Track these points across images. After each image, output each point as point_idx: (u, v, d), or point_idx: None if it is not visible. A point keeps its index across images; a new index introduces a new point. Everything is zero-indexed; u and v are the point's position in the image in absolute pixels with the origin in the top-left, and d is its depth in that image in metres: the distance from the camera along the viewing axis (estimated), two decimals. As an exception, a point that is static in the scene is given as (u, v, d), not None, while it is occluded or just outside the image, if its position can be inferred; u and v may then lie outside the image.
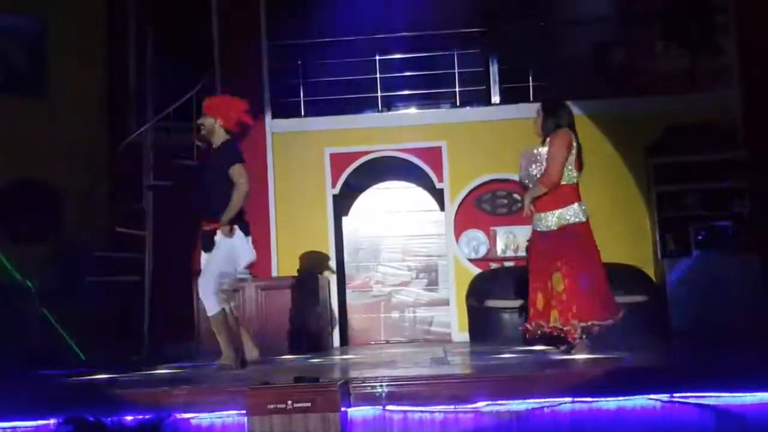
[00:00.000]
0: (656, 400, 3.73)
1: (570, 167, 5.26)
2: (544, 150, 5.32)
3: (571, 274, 5.13)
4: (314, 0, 8.34)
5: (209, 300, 5.35)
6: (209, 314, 5.38)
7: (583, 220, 5.26)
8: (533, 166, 5.35)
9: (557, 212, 5.25)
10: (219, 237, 5.33)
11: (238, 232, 5.35)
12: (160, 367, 5.73)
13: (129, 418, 2.31)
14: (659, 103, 7.88)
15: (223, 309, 5.40)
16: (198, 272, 7.29)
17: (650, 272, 7.64)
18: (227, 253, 5.36)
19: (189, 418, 3.77)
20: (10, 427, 3.82)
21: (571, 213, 5.24)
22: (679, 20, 8.28)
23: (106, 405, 3.79)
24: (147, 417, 2.25)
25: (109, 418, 2.31)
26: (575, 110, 7.90)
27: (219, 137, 5.49)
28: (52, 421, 3.73)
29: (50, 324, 6.87)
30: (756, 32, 7.82)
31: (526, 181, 5.41)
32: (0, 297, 6.67)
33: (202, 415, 3.80)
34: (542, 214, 5.31)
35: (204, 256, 5.46)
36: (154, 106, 7.61)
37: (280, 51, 8.47)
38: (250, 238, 5.45)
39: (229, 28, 8.35)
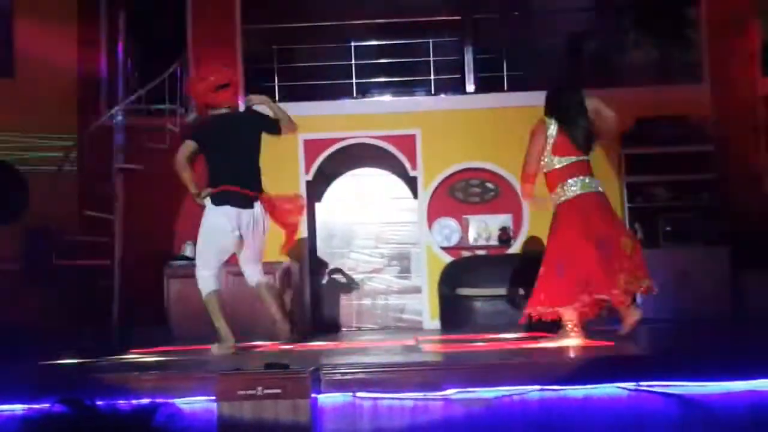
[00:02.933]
0: (624, 389, 3.77)
1: (548, 155, 5.30)
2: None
3: (545, 260, 5.22)
4: (290, -16, 8.31)
5: (199, 280, 5.32)
6: (202, 295, 5.34)
7: (561, 201, 5.30)
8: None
9: (551, 196, 5.41)
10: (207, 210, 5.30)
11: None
12: (130, 352, 5.68)
13: (122, 402, 2.30)
14: (630, 94, 7.92)
15: (216, 290, 5.33)
16: (173, 257, 7.28)
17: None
18: (214, 226, 5.30)
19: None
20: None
21: (554, 197, 5.34)
22: (650, 12, 8.34)
23: (76, 389, 3.77)
24: (142, 402, 2.24)
25: (102, 402, 2.29)
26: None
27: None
28: (19, 407, 3.70)
29: (18, 309, 6.79)
30: (725, 24, 7.91)
31: None
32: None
33: (172, 400, 3.78)
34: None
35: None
36: (126, 87, 7.53)
37: (255, 35, 8.41)
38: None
39: (203, 11, 8.27)
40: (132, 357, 5.35)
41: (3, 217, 7.40)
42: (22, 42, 7.64)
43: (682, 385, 3.75)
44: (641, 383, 3.77)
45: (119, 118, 7.31)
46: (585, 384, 3.79)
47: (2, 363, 4.74)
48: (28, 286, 6.97)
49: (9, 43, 7.60)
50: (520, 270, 7.10)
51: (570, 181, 5.27)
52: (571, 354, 4.66)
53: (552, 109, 5.43)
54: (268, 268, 7.23)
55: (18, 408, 3.72)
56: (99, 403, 2.31)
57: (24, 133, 7.53)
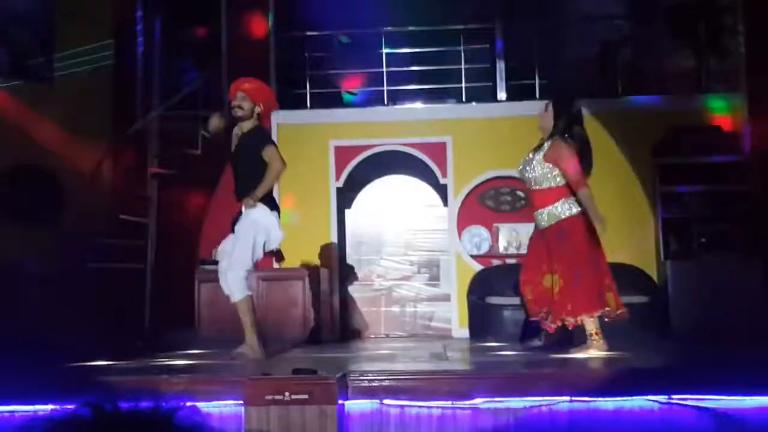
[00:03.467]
0: (654, 401, 3.70)
1: (559, 171, 5.38)
2: (538, 156, 5.36)
3: (564, 272, 5.25)
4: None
5: (236, 284, 5.21)
6: (235, 299, 5.24)
7: (573, 214, 5.32)
8: (527, 169, 5.45)
9: (547, 209, 5.39)
10: (246, 215, 5.26)
11: (266, 210, 5.29)
12: (160, 354, 5.71)
13: (148, 405, 2.30)
14: (665, 103, 7.84)
15: (250, 295, 5.31)
16: (202, 260, 7.31)
17: (653, 273, 7.61)
18: (254, 234, 5.24)
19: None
20: (8, 411, 3.81)
21: (559, 210, 5.35)
22: (687, 20, 8.24)
23: (105, 391, 3.79)
24: (163, 404, 2.23)
25: (128, 405, 2.29)
26: (583, 107, 7.93)
27: (250, 122, 5.44)
28: (49, 407, 3.73)
29: (52, 311, 6.87)
30: (763, 34, 7.78)
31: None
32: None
33: (201, 404, 3.79)
34: (536, 212, 5.47)
35: (229, 239, 5.36)
36: (161, 93, 7.60)
37: (287, 43, 8.45)
38: (277, 214, 5.39)
39: (237, 18, 8.33)
40: (161, 360, 5.38)
41: (39, 221, 7.50)
42: (61, 48, 7.75)
43: (716, 399, 3.67)
44: (673, 396, 3.70)
45: (154, 123, 7.39)
46: (615, 396, 3.73)
47: (34, 363, 4.79)
48: (64, 289, 7.04)
49: (50, 47, 7.71)
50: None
51: (573, 198, 5.35)
52: (602, 365, 4.60)
53: (568, 127, 5.40)
54: (297, 273, 7.28)
55: (45, 408, 3.75)
56: (125, 405, 2.31)
57: (60, 137, 7.63)
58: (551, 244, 5.36)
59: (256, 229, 5.25)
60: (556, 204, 5.34)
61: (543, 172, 5.38)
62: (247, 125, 5.44)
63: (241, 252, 5.20)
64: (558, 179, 5.37)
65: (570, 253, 5.27)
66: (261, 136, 5.46)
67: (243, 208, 5.30)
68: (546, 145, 5.42)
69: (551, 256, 5.36)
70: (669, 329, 7.01)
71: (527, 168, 5.47)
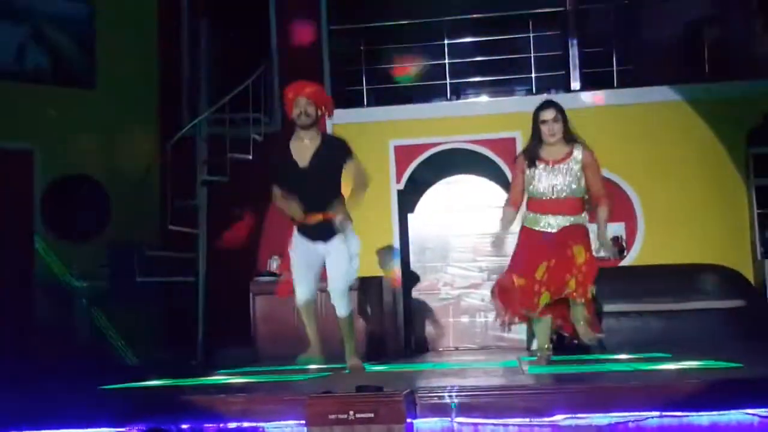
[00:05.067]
0: (755, 415, 3.66)
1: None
2: (574, 166, 5.37)
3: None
4: (378, -20, 8.42)
5: (346, 298, 5.48)
6: (343, 314, 5.50)
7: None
8: (551, 177, 5.38)
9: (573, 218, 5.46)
10: (346, 230, 5.43)
11: (349, 225, 5.49)
12: (216, 373, 5.84)
13: (209, 426, 2.37)
14: (757, 87, 7.69)
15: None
16: (259, 273, 7.44)
17: (748, 274, 7.47)
18: (351, 247, 5.48)
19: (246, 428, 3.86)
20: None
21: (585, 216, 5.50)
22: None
23: (162, 412, 3.90)
24: (229, 427, 2.31)
25: (187, 426, 2.38)
26: (666, 95, 7.84)
27: (314, 129, 5.50)
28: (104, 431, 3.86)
29: (101, 326, 7.08)
30: None
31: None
32: (48, 298, 6.89)
33: (260, 424, 3.87)
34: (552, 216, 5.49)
35: (296, 255, 5.52)
36: (209, 97, 7.76)
37: (342, 36, 8.54)
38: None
39: (287, 12, 8.46)
40: (218, 378, 5.50)
41: (86, 234, 7.74)
42: (103, 51, 7.99)
43: (824, 412, 3.61)
44: (774, 409, 3.65)
45: (202, 128, 7.54)
46: (710, 410, 3.69)
47: (85, 383, 4.95)
48: (113, 304, 7.25)
49: (90, 52, 7.96)
50: (635, 283, 6.98)
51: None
52: (694, 377, 4.55)
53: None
54: (357, 283, 7.34)
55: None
56: (184, 427, 2.39)
57: (105, 145, 7.86)
58: (567, 232, 5.38)
59: (351, 247, 5.51)
60: (582, 213, 5.44)
61: (571, 182, 5.38)
62: (311, 133, 5.52)
63: (344, 269, 5.46)
64: (583, 189, 5.41)
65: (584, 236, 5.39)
66: (338, 145, 5.56)
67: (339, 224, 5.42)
68: (577, 152, 5.37)
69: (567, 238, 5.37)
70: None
71: (551, 176, 5.37)
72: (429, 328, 8.36)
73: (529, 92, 8.34)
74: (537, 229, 5.44)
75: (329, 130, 8.13)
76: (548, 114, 5.33)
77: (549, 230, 5.41)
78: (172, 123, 8.11)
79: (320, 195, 5.42)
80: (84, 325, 7.20)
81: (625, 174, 7.74)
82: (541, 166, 5.35)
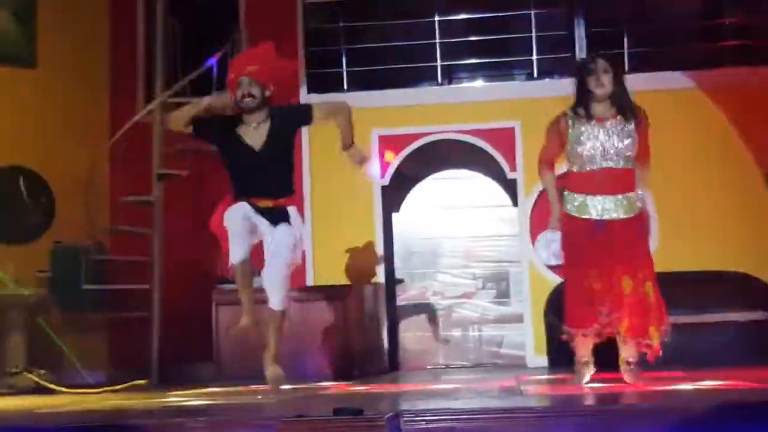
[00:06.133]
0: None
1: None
2: (629, 126, 5.28)
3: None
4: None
5: (283, 291, 5.48)
6: (277, 308, 5.49)
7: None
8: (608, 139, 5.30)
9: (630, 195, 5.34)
10: (293, 216, 5.50)
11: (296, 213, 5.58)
12: (172, 393, 5.82)
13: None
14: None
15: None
16: (219, 278, 7.42)
17: (774, 283, 7.54)
18: (298, 235, 5.54)
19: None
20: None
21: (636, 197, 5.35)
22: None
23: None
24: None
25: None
26: (682, 82, 7.88)
27: (261, 112, 5.57)
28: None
29: (48, 338, 7.05)
30: None
31: None
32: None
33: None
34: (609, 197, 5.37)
35: (235, 216, 5.51)
36: (166, 79, 7.73)
37: (319, 11, 8.53)
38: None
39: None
40: (175, 399, 5.48)
41: (24, 234, 7.69)
42: (45, 27, 7.93)
43: None
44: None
45: (158, 114, 7.50)
46: (731, 434, 3.72)
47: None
48: (56, 314, 7.21)
49: (29, 27, 7.89)
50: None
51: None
52: (712, 398, 4.58)
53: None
54: (335, 292, 7.34)
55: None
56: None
57: (47, 133, 7.80)
58: (627, 239, 5.28)
59: (298, 237, 5.58)
60: (636, 189, 5.31)
61: (625, 146, 5.29)
62: (260, 116, 5.55)
63: (283, 258, 5.46)
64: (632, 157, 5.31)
65: (649, 254, 5.27)
66: (289, 112, 5.69)
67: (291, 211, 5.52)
68: (630, 112, 5.32)
69: (623, 254, 5.27)
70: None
71: (602, 135, 5.28)
72: (416, 343, 8.37)
73: (530, 76, 8.35)
74: (584, 217, 5.39)
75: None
76: (597, 64, 5.25)
77: (605, 216, 5.33)
78: (124, 107, 8.08)
79: (272, 181, 5.54)
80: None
81: (636, 169, 7.78)
82: (590, 122, 5.28)
